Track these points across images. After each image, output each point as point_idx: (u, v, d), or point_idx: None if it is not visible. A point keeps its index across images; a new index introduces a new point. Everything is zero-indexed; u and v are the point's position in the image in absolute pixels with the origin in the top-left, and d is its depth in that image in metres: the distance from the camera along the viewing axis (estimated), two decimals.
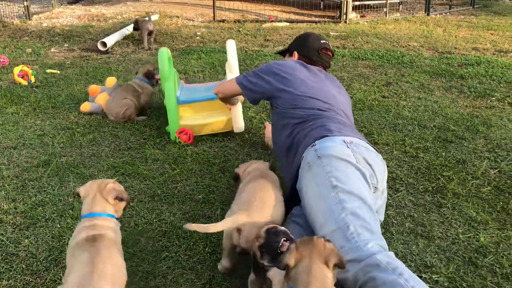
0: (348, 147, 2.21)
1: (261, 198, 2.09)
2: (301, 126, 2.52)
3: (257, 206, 2.04)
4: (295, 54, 3.10)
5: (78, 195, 2.04)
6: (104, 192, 2.01)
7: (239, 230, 1.97)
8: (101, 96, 4.20)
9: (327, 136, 2.30)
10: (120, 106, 3.94)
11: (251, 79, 2.86)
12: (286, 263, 1.57)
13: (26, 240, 2.39)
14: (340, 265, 1.57)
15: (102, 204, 1.98)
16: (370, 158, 2.23)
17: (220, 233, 2.17)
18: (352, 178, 2.09)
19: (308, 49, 3.06)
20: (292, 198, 2.35)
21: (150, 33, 7.06)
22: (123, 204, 2.08)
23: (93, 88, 4.31)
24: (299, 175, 2.30)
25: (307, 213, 2.12)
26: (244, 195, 2.15)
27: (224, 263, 2.12)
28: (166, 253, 2.29)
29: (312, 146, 2.28)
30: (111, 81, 4.24)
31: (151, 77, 4.17)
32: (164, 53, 3.50)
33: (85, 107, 4.20)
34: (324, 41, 3.10)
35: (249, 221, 1.97)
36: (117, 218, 2.03)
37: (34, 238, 2.41)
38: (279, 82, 2.73)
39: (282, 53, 3.33)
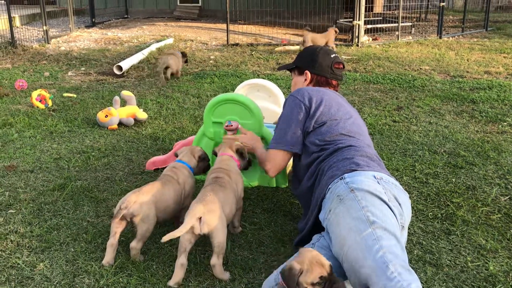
0: (379, 183, 2.18)
1: (212, 194, 2.42)
2: (326, 159, 2.48)
3: (211, 200, 2.36)
4: (307, 73, 2.94)
5: (176, 155, 2.95)
6: (193, 151, 2.91)
7: (199, 218, 2.26)
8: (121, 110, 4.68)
9: (356, 170, 2.26)
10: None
11: (288, 135, 2.67)
12: None
13: (41, 264, 2.45)
14: None
15: (189, 158, 2.87)
16: (399, 196, 2.20)
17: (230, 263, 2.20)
18: (388, 215, 2.05)
19: (321, 67, 2.92)
20: (313, 227, 2.36)
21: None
22: (204, 163, 2.92)
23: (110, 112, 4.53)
24: (323, 205, 2.27)
25: (338, 246, 2.06)
26: (200, 195, 2.46)
27: (181, 260, 2.28)
28: None
29: (341, 179, 2.23)
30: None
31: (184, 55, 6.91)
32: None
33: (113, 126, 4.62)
34: (334, 55, 2.98)
35: (205, 209, 2.28)
36: (194, 174, 2.87)
37: (49, 262, 2.47)
38: (310, 121, 2.62)
39: (289, 68, 3.12)
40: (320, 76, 2.93)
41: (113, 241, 2.45)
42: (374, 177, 2.22)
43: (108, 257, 2.44)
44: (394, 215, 2.09)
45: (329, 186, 2.27)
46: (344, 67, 3.03)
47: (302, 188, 2.61)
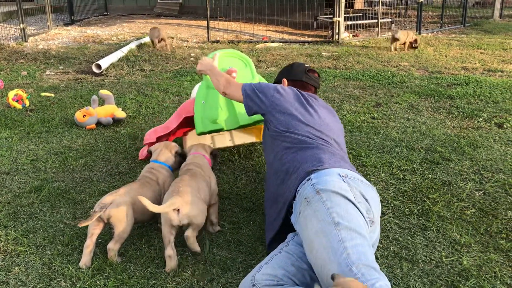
0: (344, 181, 2.21)
1: (186, 186, 2.53)
2: (290, 152, 2.52)
3: (184, 190, 2.47)
4: (284, 81, 3.09)
5: (150, 152, 2.97)
6: (169, 147, 2.94)
7: (177, 210, 2.37)
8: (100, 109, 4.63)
9: (318, 169, 2.29)
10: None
11: (256, 88, 2.82)
12: None
13: (16, 268, 2.42)
14: None
15: (166, 156, 2.90)
16: (365, 192, 2.23)
17: (208, 263, 2.21)
18: (353, 214, 2.08)
19: (296, 73, 3.10)
20: (284, 226, 2.38)
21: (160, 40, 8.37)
22: (181, 158, 2.95)
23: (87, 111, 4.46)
24: (294, 208, 2.30)
25: (308, 249, 2.09)
26: (173, 187, 2.56)
27: (168, 252, 2.38)
28: (154, 281, 2.32)
29: (307, 180, 2.26)
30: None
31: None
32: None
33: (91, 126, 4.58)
34: (308, 65, 3.18)
35: (183, 201, 2.40)
36: (172, 170, 2.93)
37: (25, 266, 2.45)
38: (278, 101, 2.72)
39: None
40: (295, 81, 3.08)
41: (89, 243, 2.44)
42: (339, 175, 2.25)
43: (85, 259, 2.42)
44: (361, 212, 2.12)
45: (298, 188, 2.30)
46: (319, 76, 3.21)
47: (270, 165, 2.68)
